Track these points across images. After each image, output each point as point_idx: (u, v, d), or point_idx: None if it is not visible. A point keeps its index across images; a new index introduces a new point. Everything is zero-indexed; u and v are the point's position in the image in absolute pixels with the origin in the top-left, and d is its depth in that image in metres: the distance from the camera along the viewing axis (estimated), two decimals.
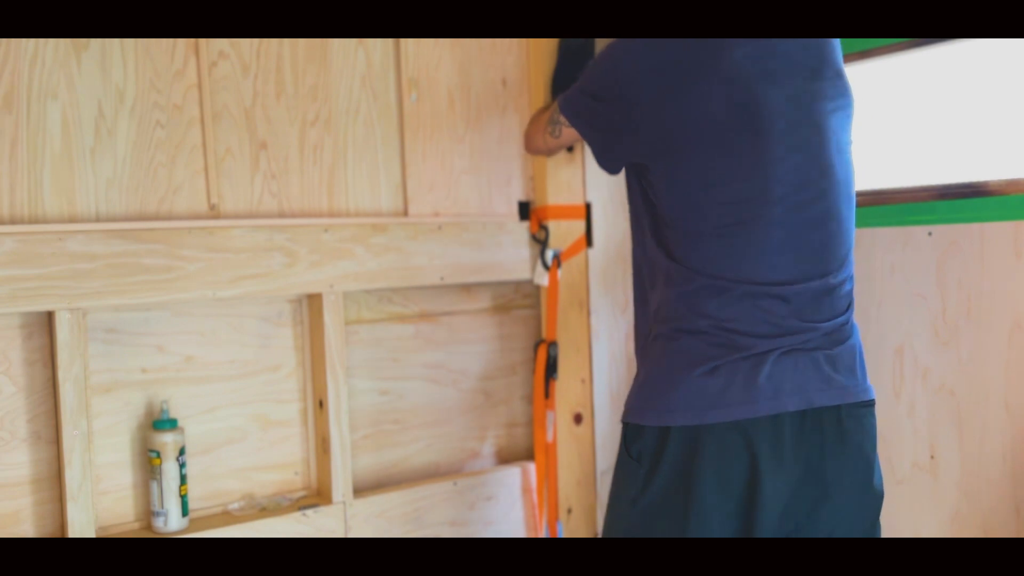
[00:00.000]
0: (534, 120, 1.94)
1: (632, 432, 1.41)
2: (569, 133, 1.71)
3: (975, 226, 1.63)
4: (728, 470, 1.33)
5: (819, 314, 1.39)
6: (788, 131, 1.37)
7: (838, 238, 1.42)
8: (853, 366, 1.41)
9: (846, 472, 1.37)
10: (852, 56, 1.85)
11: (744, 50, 1.37)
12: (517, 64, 2.11)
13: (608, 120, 1.49)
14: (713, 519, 1.33)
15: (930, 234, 1.70)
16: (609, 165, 1.55)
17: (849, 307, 1.45)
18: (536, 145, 1.93)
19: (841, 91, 1.45)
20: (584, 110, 1.55)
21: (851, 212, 1.45)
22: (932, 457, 1.73)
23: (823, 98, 1.41)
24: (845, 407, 1.37)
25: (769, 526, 1.34)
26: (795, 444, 1.34)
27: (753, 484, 1.32)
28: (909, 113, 1.84)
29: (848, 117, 1.46)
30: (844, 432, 1.36)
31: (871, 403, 1.42)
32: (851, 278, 1.46)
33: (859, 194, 1.85)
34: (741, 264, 1.37)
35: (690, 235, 1.40)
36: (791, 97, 1.38)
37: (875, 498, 1.41)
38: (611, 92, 1.47)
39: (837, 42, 1.48)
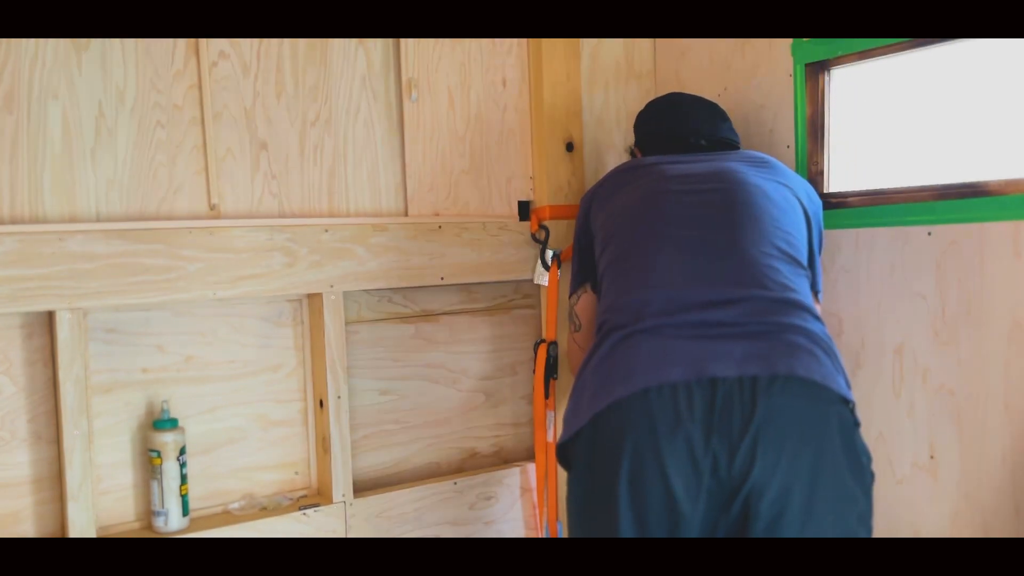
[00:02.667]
0: (569, 353, 1.90)
1: (559, 453, 1.48)
2: (581, 306, 1.78)
3: (975, 226, 1.63)
4: (613, 460, 1.33)
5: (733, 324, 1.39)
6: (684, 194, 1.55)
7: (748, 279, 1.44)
8: (779, 351, 1.34)
9: (772, 448, 1.27)
10: (852, 56, 1.85)
11: (657, 169, 1.62)
12: (517, 64, 2.11)
13: (582, 247, 1.74)
14: (634, 515, 1.31)
15: (930, 234, 1.70)
16: (591, 275, 1.72)
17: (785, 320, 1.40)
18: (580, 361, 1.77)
19: (759, 165, 1.63)
20: (574, 266, 1.79)
21: (773, 259, 1.46)
22: (932, 457, 1.73)
23: (735, 164, 1.60)
24: (761, 379, 1.29)
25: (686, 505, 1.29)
26: (690, 412, 1.29)
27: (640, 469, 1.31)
28: (909, 113, 1.84)
29: (774, 179, 1.59)
30: (766, 402, 1.28)
31: (813, 384, 1.31)
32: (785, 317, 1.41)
33: (859, 194, 1.85)
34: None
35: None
36: (692, 168, 1.59)
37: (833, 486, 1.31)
38: (579, 228, 1.75)
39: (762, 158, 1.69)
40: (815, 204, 1.67)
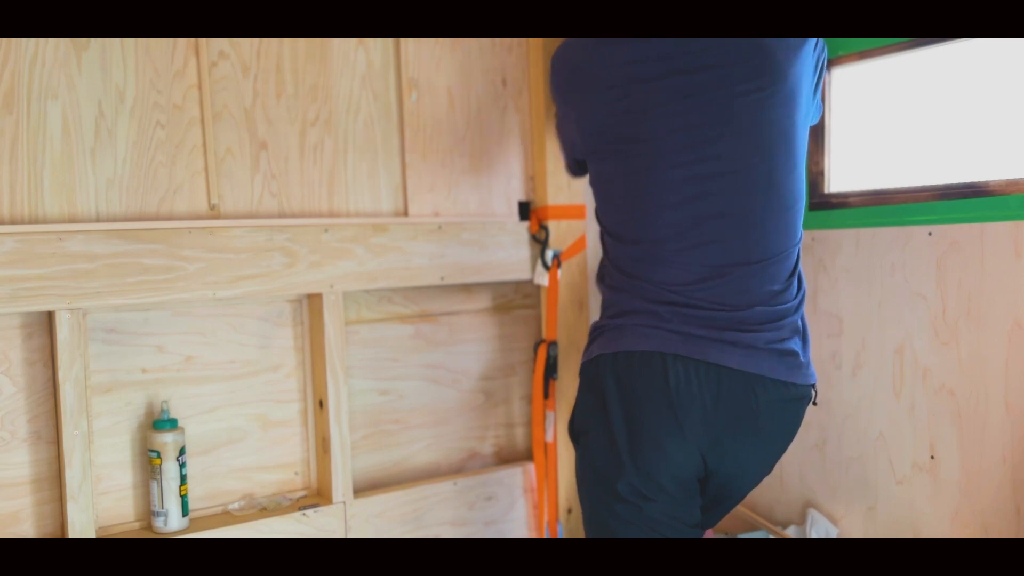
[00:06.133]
0: None
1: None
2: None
3: (975, 226, 1.63)
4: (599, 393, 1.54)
5: (730, 301, 1.47)
6: (672, 130, 1.47)
7: (744, 234, 1.46)
8: (754, 345, 1.45)
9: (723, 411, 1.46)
10: (852, 56, 1.85)
11: (623, 56, 1.50)
12: (517, 64, 2.11)
13: (564, 129, 1.71)
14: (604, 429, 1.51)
15: (930, 234, 1.70)
16: (573, 169, 1.78)
17: (776, 297, 1.48)
18: None
19: (754, 72, 1.43)
20: (558, 134, 1.77)
21: (771, 208, 1.47)
22: (932, 457, 1.73)
23: (726, 84, 1.44)
24: (726, 369, 1.45)
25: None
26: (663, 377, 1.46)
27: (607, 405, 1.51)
28: (909, 113, 1.84)
29: (770, 96, 1.44)
30: (722, 386, 1.45)
31: (760, 378, 1.45)
32: (778, 274, 1.49)
33: (860, 194, 1.85)
34: (646, 269, 1.52)
35: (604, 221, 1.65)
36: (672, 95, 1.46)
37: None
38: (558, 104, 1.69)
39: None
40: (813, 56, 1.52)
